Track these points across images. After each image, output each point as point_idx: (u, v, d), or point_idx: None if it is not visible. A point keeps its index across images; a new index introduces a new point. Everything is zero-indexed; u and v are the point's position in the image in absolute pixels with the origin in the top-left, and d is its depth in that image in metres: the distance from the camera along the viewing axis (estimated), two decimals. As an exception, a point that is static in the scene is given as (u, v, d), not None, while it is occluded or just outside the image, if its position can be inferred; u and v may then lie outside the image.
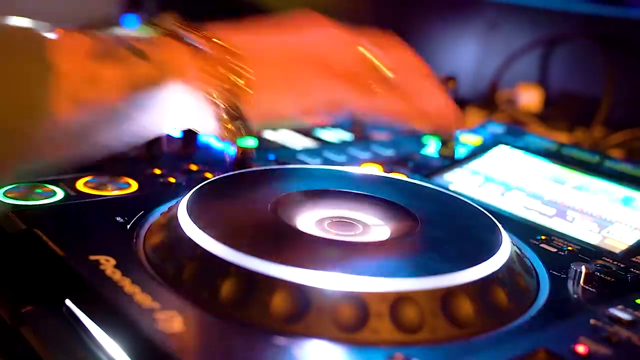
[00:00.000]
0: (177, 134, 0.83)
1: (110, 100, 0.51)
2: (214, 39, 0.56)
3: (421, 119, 0.64)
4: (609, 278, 0.56)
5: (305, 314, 0.45)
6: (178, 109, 0.57)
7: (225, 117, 0.56)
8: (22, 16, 1.41)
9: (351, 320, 0.44)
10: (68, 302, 0.51)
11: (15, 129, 0.48)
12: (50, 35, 0.50)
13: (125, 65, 0.51)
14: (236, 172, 0.65)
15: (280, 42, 0.61)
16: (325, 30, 0.64)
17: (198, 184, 0.60)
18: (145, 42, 0.55)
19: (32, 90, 0.48)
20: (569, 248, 0.62)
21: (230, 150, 0.77)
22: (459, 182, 0.78)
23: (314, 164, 0.79)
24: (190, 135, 0.80)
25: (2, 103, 0.47)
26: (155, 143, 0.78)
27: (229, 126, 0.56)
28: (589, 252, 0.62)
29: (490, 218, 0.60)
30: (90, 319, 0.49)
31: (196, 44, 0.56)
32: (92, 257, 0.50)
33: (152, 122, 0.57)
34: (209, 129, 0.58)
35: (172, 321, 0.43)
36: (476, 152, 0.84)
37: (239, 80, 0.56)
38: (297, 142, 0.89)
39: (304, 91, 0.60)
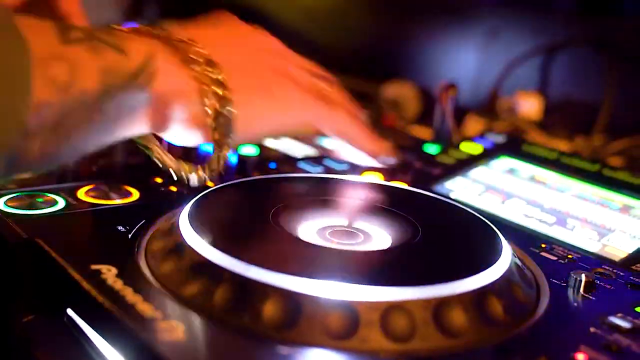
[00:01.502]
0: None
1: (87, 88, 0.47)
2: (187, 41, 0.54)
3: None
4: (608, 286, 0.57)
5: (296, 322, 0.45)
6: (157, 113, 0.53)
7: (212, 124, 0.54)
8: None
9: (342, 328, 0.45)
10: (70, 311, 0.51)
11: None
12: (22, 17, 0.47)
13: (102, 54, 0.48)
14: (237, 180, 0.66)
15: (254, 51, 0.60)
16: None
17: (199, 193, 0.60)
18: (123, 35, 0.51)
19: (9, 68, 0.44)
20: (569, 256, 0.62)
21: (231, 159, 0.77)
22: (459, 190, 0.78)
23: (315, 173, 0.79)
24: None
25: None
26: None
27: (216, 135, 0.54)
28: (588, 260, 0.62)
29: (491, 227, 0.60)
30: (92, 328, 0.49)
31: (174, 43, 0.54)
32: (94, 267, 0.51)
33: (128, 123, 0.52)
34: (188, 139, 0.56)
35: (174, 331, 0.44)
36: (477, 161, 0.85)
37: (219, 89, 0.53)
38: (298, 150, 0.89)
39: (284, 104, 0.59)
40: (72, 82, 0.46)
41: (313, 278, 0.46)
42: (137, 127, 0.52)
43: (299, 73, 0.62)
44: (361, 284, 0.46)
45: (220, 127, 0.54)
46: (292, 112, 0.59)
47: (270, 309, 0.45)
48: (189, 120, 0.54)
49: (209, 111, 0.53)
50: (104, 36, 0.49)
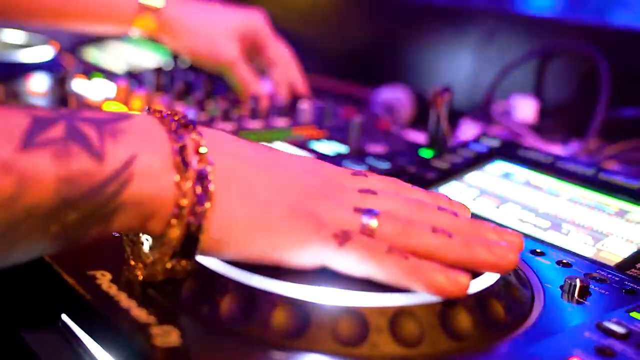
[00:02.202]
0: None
1: (37, 201, 0.41)
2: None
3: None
4: (603, 291, 0.57)
5: (305, 330, 0.45)
6: (124, 219, 0.46)
7: (174, 241, 0.46)
8: (23, 30, 1.42)
9: (351, 335, 0.45)
10: (64, 317, 0.51)
11: None
12: None
13: (70, 160, 0.42)
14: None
15: (284, 174, 0.52)
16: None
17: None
18: (113, 130, 0.45)
19: None
20: (564, 261, 0.62)
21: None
22: (454, 194, 0.78)
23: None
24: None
25: None
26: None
27: (172, 250, 0.47)
28: (583, 265, 0.62)
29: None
30: (87, 333, 0.49)
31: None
32: (89, 272, 0.51)
33: (94, 230, 0.45)
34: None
35: (169, 336, 0.44)
36: (471, 165, 0.85)
37: (199, 206, 0.46)
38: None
39: (284, 242, 0.48)
40: (17, 196, 0.40)
41: (320, 286, 0.46)
42: (102, 232, 0.46)
43: (349, 221, 0.50)
44: (368, 290, 0.46)
45: (183, 245, 0.47)
46: (293, 251, 0.48)
47: (277, 318, 0.45)
48: (149, 227, 0.47)
49: (176, 228, 0.46)
50: (87, 131, 0.44)
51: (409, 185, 0.57)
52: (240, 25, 1.15)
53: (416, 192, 0.57)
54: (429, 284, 0.47)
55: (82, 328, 0.50)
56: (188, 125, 0.48)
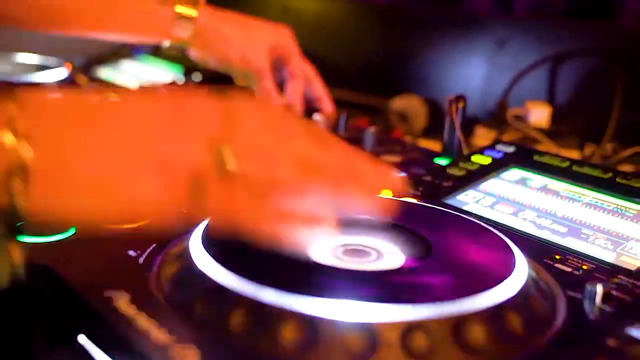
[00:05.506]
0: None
1: None
2: None
3: None
4: (626, 297, 0.56)
5: (315, 344, 0.44)
6: None
7: None
8: (33, 51, 1.43)
9: (361, 350, 0.44)
10: (82, 337, 0.51)
11: None
12: None
13: None
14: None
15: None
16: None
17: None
18: None
19: None
20: (584, 267, 0.61)
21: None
22: (470, 202, 0.78)
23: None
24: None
25: None
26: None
27: None
28: (604, 271, 0.61)
29: (505, 241, 0.59)
30: (105, 354, 0.49)
31: None
32: (107, 292, 0.50)
33: None
34: None
35: (188, 356, 0.43)
36: (487, 172, 0.84)
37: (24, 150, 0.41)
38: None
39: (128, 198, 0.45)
40: None
41: (331, 299, 0.46)
42: None
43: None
44: (380, 303, 0.46)
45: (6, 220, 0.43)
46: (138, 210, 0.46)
47: (287, 333, 0.45)
48: None
49: None
50: None
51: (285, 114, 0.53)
52: (271, 38, 1.16)
53: (294, 126, 0.52)
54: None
55: (100, 348, 0.49)
56: (4, 95, 0.43)
